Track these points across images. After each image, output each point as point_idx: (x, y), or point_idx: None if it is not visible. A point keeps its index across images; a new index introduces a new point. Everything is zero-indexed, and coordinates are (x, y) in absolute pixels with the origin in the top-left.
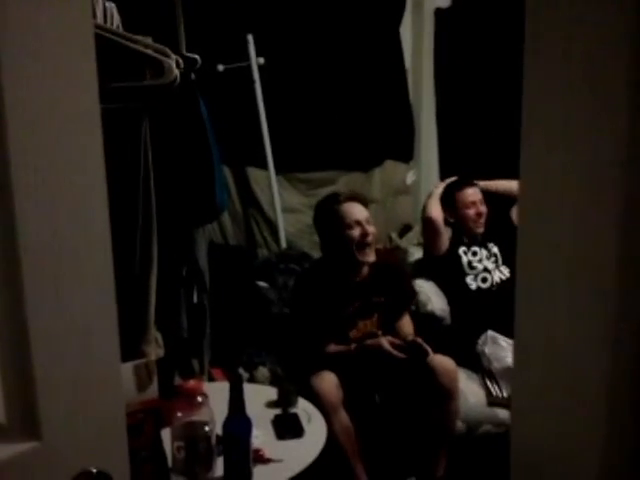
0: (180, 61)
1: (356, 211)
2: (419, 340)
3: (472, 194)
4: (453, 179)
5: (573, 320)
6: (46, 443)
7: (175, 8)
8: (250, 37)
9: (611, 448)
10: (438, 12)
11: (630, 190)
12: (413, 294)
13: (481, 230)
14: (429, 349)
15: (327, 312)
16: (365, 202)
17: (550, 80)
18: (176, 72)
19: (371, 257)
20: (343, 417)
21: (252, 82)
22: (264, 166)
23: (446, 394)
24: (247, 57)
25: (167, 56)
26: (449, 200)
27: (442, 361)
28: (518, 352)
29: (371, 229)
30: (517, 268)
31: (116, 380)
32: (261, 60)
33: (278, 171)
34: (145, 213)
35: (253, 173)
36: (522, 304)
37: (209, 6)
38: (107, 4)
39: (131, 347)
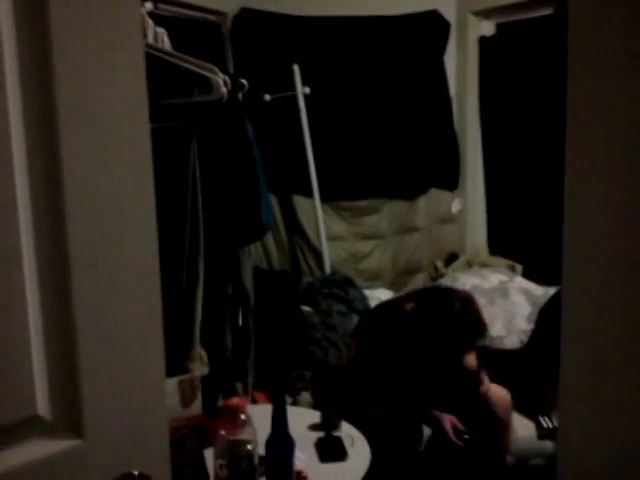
0: (227, 80)
1: (474, 362)
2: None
3: None
4: None
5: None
6: (89, 442)
7: (223, 39)
8: (296, 67)
9: None
10: (482, 40)
11: None
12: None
13: None
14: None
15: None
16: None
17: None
18: (223, 89)
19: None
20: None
21: (298, 111)
22: (309, 194)
23: (499, 425)
24: (293, 87)
25: (215, 74)
26: None
27: (497, 391)
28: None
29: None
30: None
31: (160, 388)
32: (307, 89)
33: (323, 199)
34: (192, 230)
35: (299, 201)
36: (569, 324)
37: (256, 37)
38: (158, 29)
39: (176, 363)
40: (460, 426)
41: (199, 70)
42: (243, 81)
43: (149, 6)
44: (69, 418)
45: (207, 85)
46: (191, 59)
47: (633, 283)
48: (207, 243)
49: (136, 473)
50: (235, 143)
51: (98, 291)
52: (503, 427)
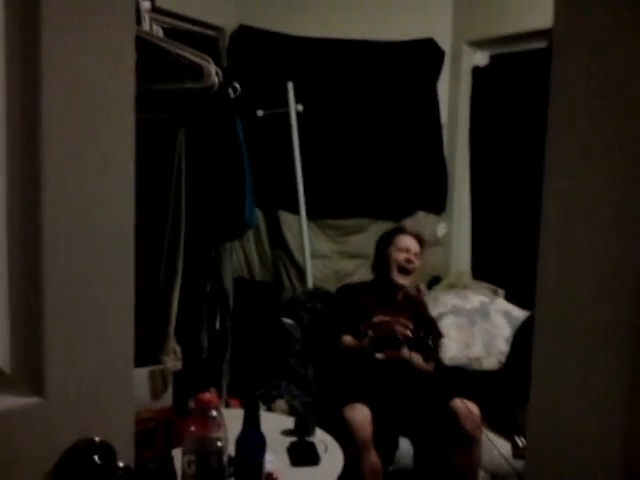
0: (219, 71)
1: (410, 242)
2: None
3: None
4: None
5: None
6: (50, 402)
7: (220, 54)
8: (290, 84)
9: None
10: (475, 70)
11: None
12: (439, 335)
13: None
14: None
15: (354, 313)
16: (422, 242)
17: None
18: (215, 78)
19: (406, 282)
20: (373, 456)
21: (289, 128)
22: (296, 211)
23: (468, 439)
24: (286, 104)
25: (207, 62)
26: None
27: (466, 406)
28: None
29: (416, 261)
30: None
31: (127, 359)
32: (300, 107)
33: (310, 216)
34: (174, 222)
35: (285, 217)
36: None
37: (252, 54)
38: (155, 26)
39: (149, 355)
40: (410, 325)
41: (191, 57)
42: (236, 85)
43: (147, 5)
44: (30, 374)
45: (199, 74)
46: (183, 46)
47: (595, 300)
48: (189, 237)
49: (97, 440)
50: (223, 138)
51: (69, 253)
52: (473, 441)
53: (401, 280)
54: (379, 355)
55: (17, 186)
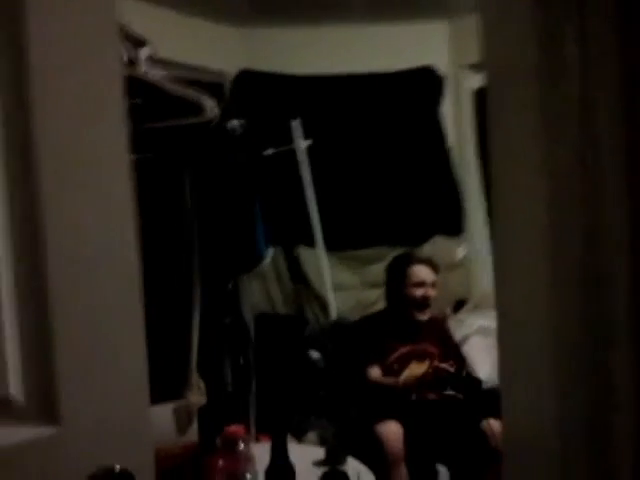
0: (219, 106)
1: (423, 273)
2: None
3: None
4: None
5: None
6: (65, 430)
7: (224, 94)
8: (295, 123)
9: None
10: (478, 92)
11: None
12: (463, 360)
13: None
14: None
15: (376, 345)
16: (436, 267)
17: None
18: (214, 112)
19: (426, 316)
20: (403, 474)
21: (298, 164)
22: (314, 244)
23: (498, 457)
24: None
25: (205, 97)
26: None
27: (495, 425)
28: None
29: (433, 293)
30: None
31: (142, 383)
32: (307, 142)
33: (328, 249)
34: (187, 257)
35: (303, 252)
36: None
37: (256, 96)
38: (154, 71)
39: (173, 391)
40: (450, 368)
41: (188, 94)
42: (242, 121)
43: (145, 52)
44: (44, 402)
45: (198, 109)
46: (179, 84)
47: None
48: (205, 270)
49: (118, 468)
50: (231, 173)
51: (76, 290)
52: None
53: (421, 317)
54: (431, 396)
55: (18, 232)
